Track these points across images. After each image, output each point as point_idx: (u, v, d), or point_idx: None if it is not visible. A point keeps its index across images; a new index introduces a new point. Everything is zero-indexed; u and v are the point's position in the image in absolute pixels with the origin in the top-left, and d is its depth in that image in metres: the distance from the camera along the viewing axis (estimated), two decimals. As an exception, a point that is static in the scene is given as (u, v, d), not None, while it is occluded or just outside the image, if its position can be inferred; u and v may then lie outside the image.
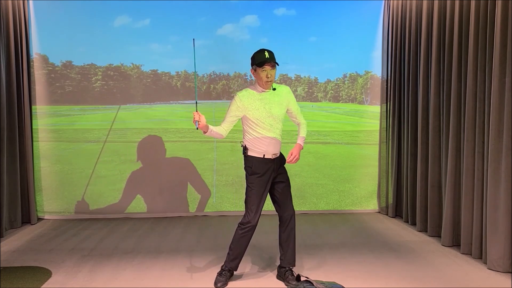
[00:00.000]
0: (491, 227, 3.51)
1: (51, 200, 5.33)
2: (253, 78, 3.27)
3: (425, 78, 4.61)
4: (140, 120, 5.47)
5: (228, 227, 4.61)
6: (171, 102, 5.58)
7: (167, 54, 5.53)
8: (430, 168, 4.50)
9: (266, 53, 3.10)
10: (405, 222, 5.12)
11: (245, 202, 3.26)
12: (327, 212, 5.61)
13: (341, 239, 4.43)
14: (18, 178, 4.94)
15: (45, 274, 3.46)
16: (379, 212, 5.70)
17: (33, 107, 5.20)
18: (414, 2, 4.84)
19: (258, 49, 3.18)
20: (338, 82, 5.82)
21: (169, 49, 5.52)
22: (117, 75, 5.49)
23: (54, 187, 5.34)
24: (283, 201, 3.30)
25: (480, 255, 3.73)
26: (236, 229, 3.26)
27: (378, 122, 5.74)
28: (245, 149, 3.25)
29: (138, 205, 5.44)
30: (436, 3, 4.33)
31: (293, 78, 5.76)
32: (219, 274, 3.29)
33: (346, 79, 5.83)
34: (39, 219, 5.22)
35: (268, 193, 3.31)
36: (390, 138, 5.42)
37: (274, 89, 3.23)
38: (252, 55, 3.19)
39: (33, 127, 5.20)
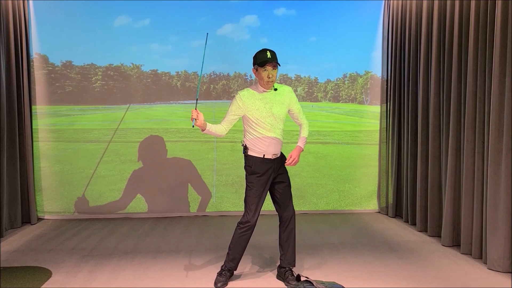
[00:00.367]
0: (491, 227, 3.51)
1: (51, 200, 5.33)
2: (254, 77, 3.26)
3: (425, 78, 4.62)
4: (140, 120, 5.47)
5: (228, 227, 4.61)
6: (171, 102, 5.58)
7: (167, 54, 5.54)
8: (430, 168, 4.50)
9: (268, 53, 3.09)
10: (405, 222, 5.12)
11: (244, 202, 3.26)
12: (327, 212, 5.61)
13: (341, 239, 4.42)
14: (18, 178, 4.95)
15: (45, 274, 3.46)
16: (379, 212, 5.70)
17: (33, 107, 5.20)
18: (414, 2, 4.84)
19: (260, 49, 3.17)
20: (338, 82, 5.82)
21: (169, 49, 5.52)
22: (117, 75, 5.49)
23: (54, 187, 5.35)
24: (283, 201, 3.30)
25: (480, 255, 3.73)
26: (235, 229, 3.26)
27: (378, 122, 5.74)
28: (245, 148, 3.25)
29: (138, 205, 5.44)
30: (436, 3, 4.33)
31: (293, 78, 5.76)
32: (219, 274, 3.29)
33: (346, 79, 5.83)
34: (39, 219, 5.22)
35: (269, 193, 3.31)
36: (390, 138, 5.42)
37: (275, 89, 3.23)
38: (254, 54, 3.18)
39: (33, 127, 5.20)
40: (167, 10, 5.43)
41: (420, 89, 4.66)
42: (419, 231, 4.69)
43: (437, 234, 4.44)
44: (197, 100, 3.16)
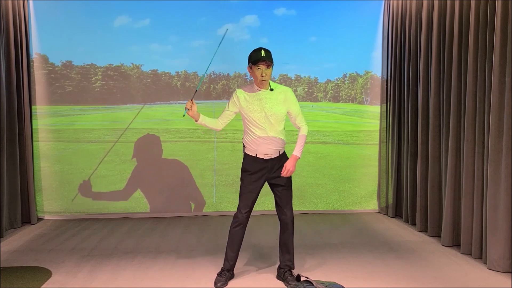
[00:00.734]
0: (491, 227, 3.51)
1: (51, 200, 5.33)
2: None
3: (425, 78, 4.61)
4: (140, 120, 5.47)
5: (228, 227, 4.55)
6: (171, 102, 5.58)
7: (167, 54, 5.54)
8: (430, 168, 4.50)
9: (263, 52, 3.09)
10: (405, 222, 5.12)
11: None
12: (327, 212, 5.61)
13: (341, 239, 4.42)
14: (18, 178, 4.95)
15: (45, 274, 3.46)
16: (379, 212, 5.70)
17: (33, 107, 5.20)
18: (414, 2, 4.84)
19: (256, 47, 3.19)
20: (338, 82, 5.82)
21: (169, 49, 5.52)
22: (117, 75, 5.49)
23: (54, 187, 5.34)
24: (281, 205, 3.29)
25: (480, 255, 3.73)
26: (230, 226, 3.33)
27: (378, 122, 5.74)
28: (243, 146, 3.31)
29: (138, 205, 5.44)
30: (436, 3, 4.33)
31: (293, 78, 5.76)
32: (219, 274, 3.30)
33: (346, 79, 5.83)
34: (39, 219, 5.22)
35: (273, 194, 3.33)
36: (390, 138, 5.42)
37: (271, 89, 3.21)
38: (250, 53, 3.19)
39: (33, 127, 5.20)
40: (167, 10, 5.43)
41: (420, 89, 4.66)
42: (419, 231, 4.69)
43: (437, 234, 4.44)
44: (196, 91, 3.30)
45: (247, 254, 3.91)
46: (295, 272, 3.29)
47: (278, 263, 3.43)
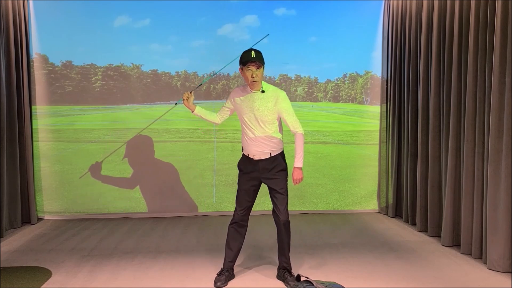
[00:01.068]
0: (491, 227, 3.51)
1: (51, 200, 5.33)
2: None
3: (425, 78, 4.61)
4: (140, 120, 5.47)
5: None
6: (171, 102, 5.58)
7: (167, 54, 5.54)
8: (430, 168, 4.50)
9: (253, 53, 3.07)
10: (405, 222, 5.12)
11: None
12: (327, 212, 5.61)
13: (341, 239, 4.42)
14: (18, 178, 4.95)
15: (45, 274, 3.46)
16: (379, 212, 5.70)
17: (33, 107, 5.20)
18: (414, 2, 4.84)
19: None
20: (338, 82, 5.82)
21: (169, 49, 5.52)
22: (117, 75, 5.49)
23: (54, 187, 5.34)
24: (275, 208, 3.27)
25: (480, 255, 3.73)
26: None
27: (378, 122, 5.74)
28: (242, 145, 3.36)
29: (138, 205, 5.44)
30: (436, 3, 4.33)
31: (293, 78, 5.75)
32: (219, 274, 3.30)
33: (346, 79, 5.83)
34: (39, 219, 5.23)
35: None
36: (390, 138, 5.42)
37: (263, 91, 3.18)
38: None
39: (33, 127, 5.20)
40: (167, 10, 5.43)
41: (420, 89, 4.66)
42: (419, 231, 4.69)
43: (437, 234, 4.44)
44: (198, 85, 3.49)
45: (247, 254, 3.91)
46: (294, 272, 3.29)
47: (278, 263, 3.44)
